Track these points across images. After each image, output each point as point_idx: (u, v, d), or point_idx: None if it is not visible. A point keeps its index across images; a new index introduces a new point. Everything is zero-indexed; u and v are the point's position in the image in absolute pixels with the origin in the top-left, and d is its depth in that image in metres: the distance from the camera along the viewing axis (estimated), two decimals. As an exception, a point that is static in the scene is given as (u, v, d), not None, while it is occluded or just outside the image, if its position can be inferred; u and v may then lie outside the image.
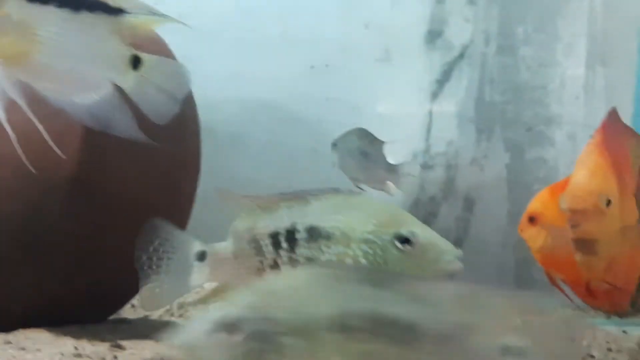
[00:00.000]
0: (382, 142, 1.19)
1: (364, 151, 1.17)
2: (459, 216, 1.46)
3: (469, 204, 1.48)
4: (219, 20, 1.34)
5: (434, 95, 1.38)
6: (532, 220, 1.15)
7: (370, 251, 0.60)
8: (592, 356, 0.74)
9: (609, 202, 0.87)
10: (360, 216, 0.63)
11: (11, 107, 0.65)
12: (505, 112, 1.52)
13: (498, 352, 0.43)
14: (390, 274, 0.43)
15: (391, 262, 0.59)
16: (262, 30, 1.37)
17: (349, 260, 0.60)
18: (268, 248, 0.64)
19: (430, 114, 1.39)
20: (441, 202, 1.41)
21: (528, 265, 1.36)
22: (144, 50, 0.74)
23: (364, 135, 1.18)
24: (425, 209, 1.40)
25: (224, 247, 0.68)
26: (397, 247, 0.59)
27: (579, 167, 0.91)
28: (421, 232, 0.60)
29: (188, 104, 0.97)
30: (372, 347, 0.41)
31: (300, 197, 0.65)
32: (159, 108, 0.72)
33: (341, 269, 0.42)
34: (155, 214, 0.69)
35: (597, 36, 1.54)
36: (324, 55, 1.38)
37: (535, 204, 1.16)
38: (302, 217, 0.64)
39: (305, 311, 0.40)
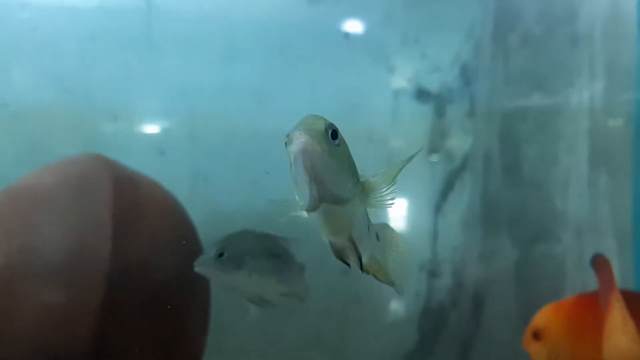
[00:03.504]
0: None
1: None
2: (468, 314, 1.48)
3: (477, 301, 1.50)
4: (228, 140, 1.40)
5: (438, 207, 1.42)
6: (536, 335, 1.16)
7: None
8: None
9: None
10: None
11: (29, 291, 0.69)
12: (511, 210, 1.56)
13: None
14: None
15: None
16: (267, 146, 1.42)
17: None
18: None
19: (435, 223, 1.42)
20: (450, 309, 1.43)
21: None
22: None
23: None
24: (434, 318, 1.42)
25: None
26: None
27: (620, 331, 0.92)
28: None
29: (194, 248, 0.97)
30: None
31: None
32: None
33: None
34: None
35: (599, 135, 1.58)
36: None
37: (539, 319, 1.17)
38: None
39: None
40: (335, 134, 0.59)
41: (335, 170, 0.58)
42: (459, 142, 1.43)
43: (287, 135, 0.57)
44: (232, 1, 1.37)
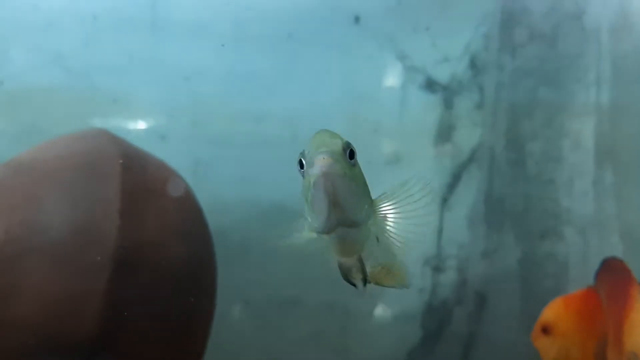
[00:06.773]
0: None
1: None
2: (471, 312, 1.45)
3: (480, 298, 1.47)
4: (231, 127, 1.37)
5: (444, 200, 1.40)
6: (545, 330, 1.13)
7: None
8: None
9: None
10: None
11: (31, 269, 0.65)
12: (515, 207, 1.53)
13: None
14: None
15: None
16: (273, 134, 1.39)
17: None
18: None
19: (441, 217, 1.39)
20: (454, 306, 1.40)
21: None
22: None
23: None
24: (438, 314, 1.39)
25: None
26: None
27: None
28: None
29: (204, 252, 0.93)
30: None
31: None
32: None
33: None
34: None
35: (605, 132, 1.56)
36: (334, 157, 1.40)
37: (548, 314, 1.15)
38: None
39: None
40: (352, 153, 0.57)
41: (354, 194, 0.57)
42: (467, 135, 1.41)
43: (302, 155, 0.55)
44: (238, -16, 1.34)
